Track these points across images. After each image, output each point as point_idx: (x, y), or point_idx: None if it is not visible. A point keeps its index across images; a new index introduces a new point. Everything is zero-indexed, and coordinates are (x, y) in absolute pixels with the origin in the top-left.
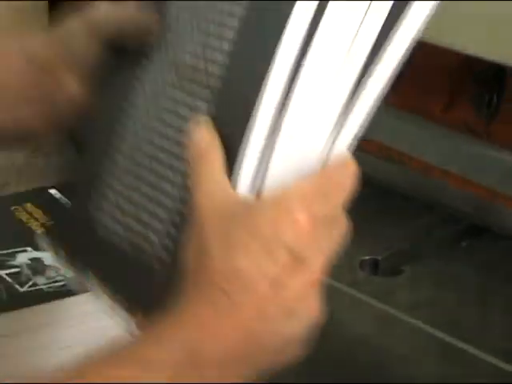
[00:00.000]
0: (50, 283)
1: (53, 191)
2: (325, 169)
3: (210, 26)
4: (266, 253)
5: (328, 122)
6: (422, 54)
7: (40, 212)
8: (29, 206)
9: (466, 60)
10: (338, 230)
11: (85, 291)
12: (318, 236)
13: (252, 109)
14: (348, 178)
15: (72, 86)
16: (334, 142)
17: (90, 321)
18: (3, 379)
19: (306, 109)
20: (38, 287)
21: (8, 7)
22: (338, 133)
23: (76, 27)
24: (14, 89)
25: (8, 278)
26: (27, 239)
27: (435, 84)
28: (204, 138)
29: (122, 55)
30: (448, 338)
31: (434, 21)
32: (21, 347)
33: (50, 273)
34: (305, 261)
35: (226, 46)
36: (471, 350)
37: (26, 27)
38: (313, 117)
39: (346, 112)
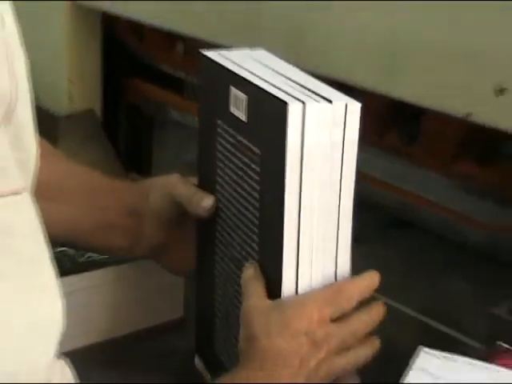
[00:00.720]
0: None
1: None
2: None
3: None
4: (293, 338)
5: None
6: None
7: None
8: None
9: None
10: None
11: None
12: (328, 330)
13: (281, 246)
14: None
15: (150, 230)
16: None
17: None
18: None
19: (318, 232)
20: (91, 259)
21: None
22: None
23: (155, 186)
24: (115, 225)
25: (70, 251)
26: None
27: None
28: (249, 272)
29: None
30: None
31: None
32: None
33: None
34: (319, 343)
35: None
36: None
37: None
38: (322, 236)
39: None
